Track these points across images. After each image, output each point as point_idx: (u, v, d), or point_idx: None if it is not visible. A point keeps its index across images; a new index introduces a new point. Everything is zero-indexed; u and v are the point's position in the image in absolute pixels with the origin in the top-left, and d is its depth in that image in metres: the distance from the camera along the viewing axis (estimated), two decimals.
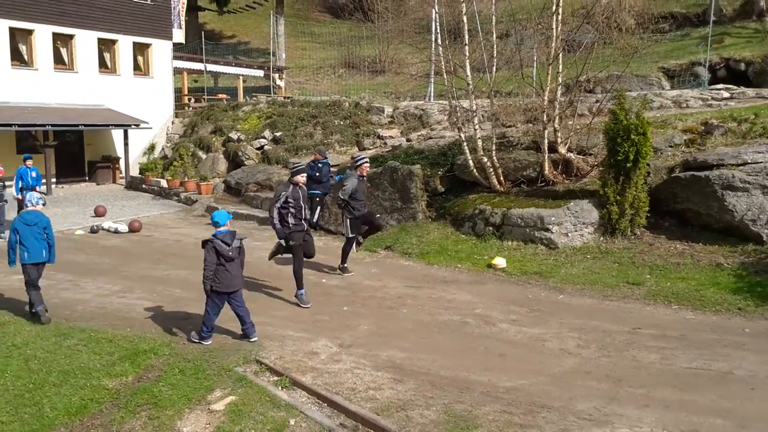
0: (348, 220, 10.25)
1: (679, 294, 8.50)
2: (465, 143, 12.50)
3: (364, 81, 28.32)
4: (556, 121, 11.82)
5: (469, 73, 12.36)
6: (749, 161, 9.90)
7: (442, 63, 12.87)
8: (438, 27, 13.35)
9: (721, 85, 16.35)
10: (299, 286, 8.93)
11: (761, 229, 9.38)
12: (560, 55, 11.67)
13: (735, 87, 15.54)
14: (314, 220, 13.99)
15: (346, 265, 10.56)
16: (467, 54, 12.29)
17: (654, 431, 5.06)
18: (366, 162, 10.54)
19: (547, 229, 10.65)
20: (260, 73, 30.13)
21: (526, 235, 10.91)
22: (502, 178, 12.40)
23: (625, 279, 9.19)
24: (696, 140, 11.27)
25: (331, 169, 15.12)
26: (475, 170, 12.51)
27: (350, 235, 10.38)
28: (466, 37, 12.22)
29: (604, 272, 9.55)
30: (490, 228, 11.42)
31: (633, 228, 10.41)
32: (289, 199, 8.77)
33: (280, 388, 6.23)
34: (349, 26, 31.86)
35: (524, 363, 6.62)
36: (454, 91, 13.03)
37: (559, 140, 11.89)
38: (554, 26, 11.60)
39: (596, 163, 11.54)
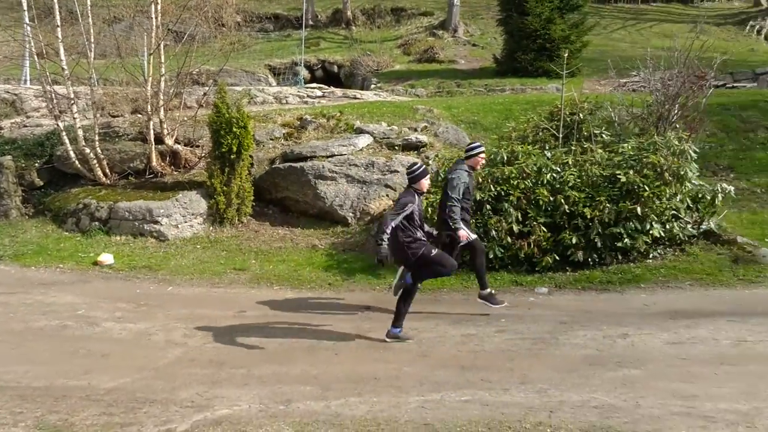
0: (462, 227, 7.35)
1: (280, 275, 9.24)
2: (64, 133, 11.59)
3: None
4: (161, 112, 11.73)
5: (63, 58, 11.46)
6: (336, 153, 11.25)
7: (32, 44, 11.69)
8: (26, 3, 12.05)
9: (315, 84, 18.17)
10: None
11: (347, 212, 10.73)
12: (162, 44, 11.59)
13: (326, 87, 17.41)
14: None
15: (491, 290, 7.65)
16: (60, 36, 11.36)
17: (252, 407, 5.43)
18: (483, 151, 7.74)
19: (157, 222, 10.55)
20: None
21: (135, 229, 10.64)
22: (107, 170, 11.85)
23: (232, 266, 9.63)
24: (293, 134, 12.34)
25: None
26: (77, 162, 11.70)
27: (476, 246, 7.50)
28: (58, 17, 11.29)
29: (213, 261, 9.87)
30: (96, 223, 10.85)
31: (240, 216, 10.95)
32: (415, 214, 6.69)
33: None
34: None
35: (128, 360, 6.48)
36: (48, 76, 11.94)
37: (165, 131, 11.83)
38: (153, 16, 11.46)
39: (203, 155, 11.81)
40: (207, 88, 14.38)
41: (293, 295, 8.60)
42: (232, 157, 10.59)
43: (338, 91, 16.77)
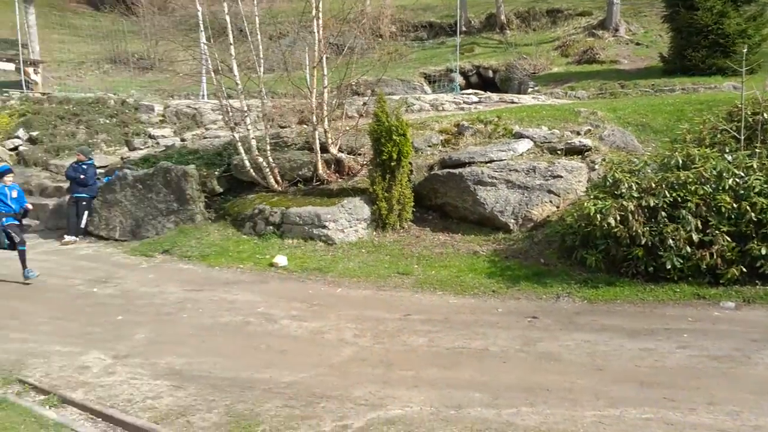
0: None
1: (443, 281, 9.31)
2: (240, 143, 12.50)
3: (133, 77, 26.75)
4: (325, 122, 12.29)
5: (236, 73, 12.36)
6: (495, 159, 11.16)
7: (209, 62, 12.72)
8: (203, 25, 13.15)
9: (470, 90, 18.17)
10: None
11: (508, 218, 10.61)
12: (324, 57, 12.14)
13: (482, 92, 17.36)
14: (81, 225, 13.07)
15: None
16: (233, 54, 12.28)
17: (423, 409, 5.53)
18: None
19: (324, 226, 11.05)
20: (11, 66, 26.92)
21: (305, 233, 11.21)
22: (279, 178, 12.60)
23: (396, 270, 9.86)
24: (451, 140, 12.42)
25: (98, 170, 14.22)
26: (251, 170, 12.55)
27: None
28: (231, 36, 12.22)
29: (377, 264, 10.15)
30: (271, 227, 11.56)
31: (401, 222, 11.20)
32: None
33: (47, 407, 5.79)
34: (111, 19, 29.79)
35: (304, 356, 6.84)
36: (224, 91, 12.95)
37: (330, 141, 12.37)
38: (316, 30, 12.03)
39: (365, 163, 12.21)
40: (366, 98, 14.87)
41: (456, 301, 8.64)
42: (392, 164, 10.86)
43: (494, 96, 16.64)
